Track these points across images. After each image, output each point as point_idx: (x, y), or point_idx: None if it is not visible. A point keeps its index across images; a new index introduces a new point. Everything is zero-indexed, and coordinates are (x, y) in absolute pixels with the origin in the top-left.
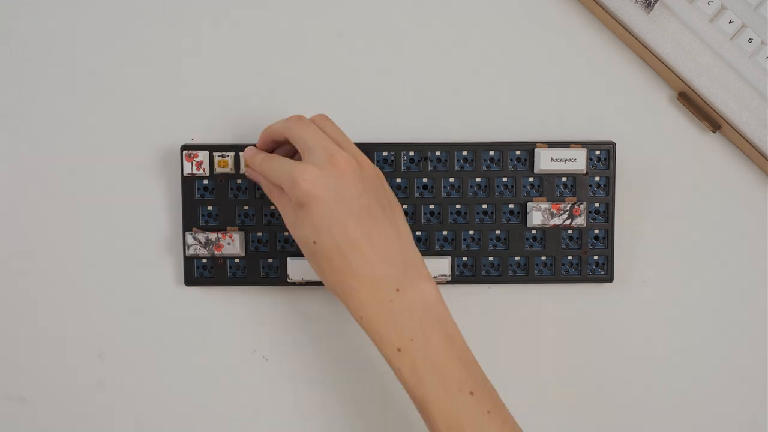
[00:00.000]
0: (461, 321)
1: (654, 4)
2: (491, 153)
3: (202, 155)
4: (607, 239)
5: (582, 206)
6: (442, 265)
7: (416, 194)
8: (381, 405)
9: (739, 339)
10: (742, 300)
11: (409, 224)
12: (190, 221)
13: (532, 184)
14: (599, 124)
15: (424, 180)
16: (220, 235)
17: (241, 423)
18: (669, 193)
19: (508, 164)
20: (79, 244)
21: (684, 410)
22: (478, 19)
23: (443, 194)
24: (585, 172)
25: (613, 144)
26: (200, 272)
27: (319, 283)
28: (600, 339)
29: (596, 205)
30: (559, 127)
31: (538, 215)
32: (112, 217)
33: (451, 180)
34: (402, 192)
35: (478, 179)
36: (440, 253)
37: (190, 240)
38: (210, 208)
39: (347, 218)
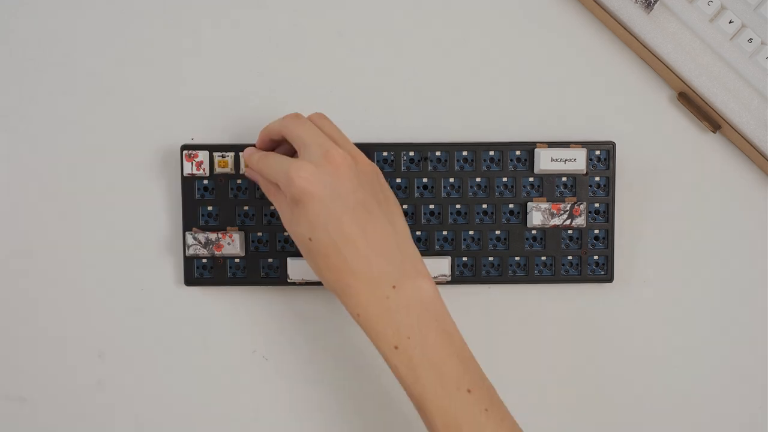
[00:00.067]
0: (461, 321)
1: (654, 4)
2: (491, 153)
3: (202, 155)
4: (607, 239)
5: (582, 206)
6: (442, 265)
7: (416, 194)
8: (380, 404)
9: (739, 339)
10: (742, 300)
11: (409, 224)
12: (190, 221)
13: (532, 184)
14: (599, 124)
15: (424, 180)
16: (220, 235)
17: (241, 423)
18: (669, 193)
19: (508, 164)
20: (79, 244)
21: (684, 410)
22: (478, 19)
23: (443, 194)
24: (585, 172)
25: (613, 144)
26: (200, 272)
27: (319, 284)
28: (600, 339)
29: (596, 205)
30: (559, 127)
31: (538, 215)
32: (112, 217)
33: (451, 180)
34: (402, 192)
35: (478, 179)
36: (440, 253)
37: (190, 240)
38: (210, 208)
39: (342, 214)
